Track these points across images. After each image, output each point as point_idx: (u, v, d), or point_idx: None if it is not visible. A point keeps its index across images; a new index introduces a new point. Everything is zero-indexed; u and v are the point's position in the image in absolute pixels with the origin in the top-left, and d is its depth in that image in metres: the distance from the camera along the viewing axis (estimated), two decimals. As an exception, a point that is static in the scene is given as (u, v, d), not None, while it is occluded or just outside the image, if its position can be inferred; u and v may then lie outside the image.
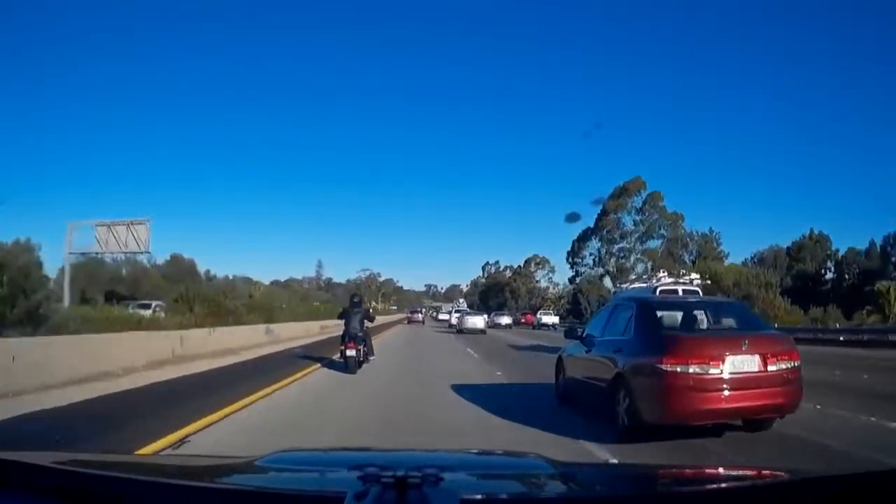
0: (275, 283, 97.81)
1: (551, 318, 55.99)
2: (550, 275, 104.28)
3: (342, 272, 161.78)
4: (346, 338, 12.64)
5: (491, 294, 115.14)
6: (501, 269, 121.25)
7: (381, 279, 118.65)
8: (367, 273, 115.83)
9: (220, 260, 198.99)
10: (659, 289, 17.03)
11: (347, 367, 12.43)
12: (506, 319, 52.13)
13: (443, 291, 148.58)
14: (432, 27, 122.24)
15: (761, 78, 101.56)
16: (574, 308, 70.49)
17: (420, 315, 64.56)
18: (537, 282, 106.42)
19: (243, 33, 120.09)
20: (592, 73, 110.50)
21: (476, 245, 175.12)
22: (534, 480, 1.87)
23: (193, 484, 1.62)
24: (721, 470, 2.67)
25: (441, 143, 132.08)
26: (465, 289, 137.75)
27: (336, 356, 13.53)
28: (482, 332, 37.29)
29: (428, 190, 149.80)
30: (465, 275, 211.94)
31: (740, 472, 2.26)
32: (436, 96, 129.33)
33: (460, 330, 38.08)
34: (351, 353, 12.44)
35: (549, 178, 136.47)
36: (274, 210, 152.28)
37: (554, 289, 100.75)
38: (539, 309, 73.74)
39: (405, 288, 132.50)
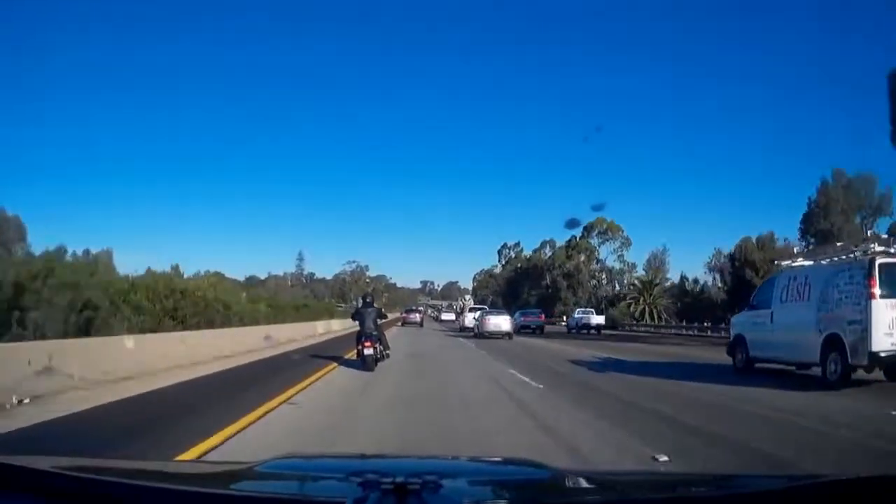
0: (250, 280, 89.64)
1: (595, 319, 44.22)
2: (622, 251, 70.08)
3: (330, 267, 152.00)
4: (363, 337, 13.17)
5: (524, 284, 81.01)
6: (537, 247, 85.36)
7: (370, 273, 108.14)
8: (354, 265, 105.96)
9: (201, 257, 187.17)
10: (878, 261, 10.51)
11: (365, 364, 12.88)
12: (532, 320, 40.84)
13: (439, 289, 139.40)
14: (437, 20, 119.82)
15: (764, 77, 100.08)
16: (735, 292, 39.62)
17: (417, 315, 52.26)
18: (600, 261, 71.63)
19: (227, 18, 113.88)
20: (593, 74, 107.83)
21: (475, 243, 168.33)
22: (533, 487, 1.87)
23: (192, 490, 1.63)
24: (723, 476, 2.66)
25: (438, 138, 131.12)
26: (468, 286, 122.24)
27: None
28: (508, 336, 29.31)
29: (424, 184, 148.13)
30: (463, 271, 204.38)
31: (743, 479, 2.33)
32: (430, 89, 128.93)
33: (479, 334, 29.82)
34: (369, 351, 12.92)
35: (549, 173, 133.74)
36: (258, 203, 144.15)
37: (631, 272, 68.25)
38: (611, 302, 57.18)
39: (399, 285, 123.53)
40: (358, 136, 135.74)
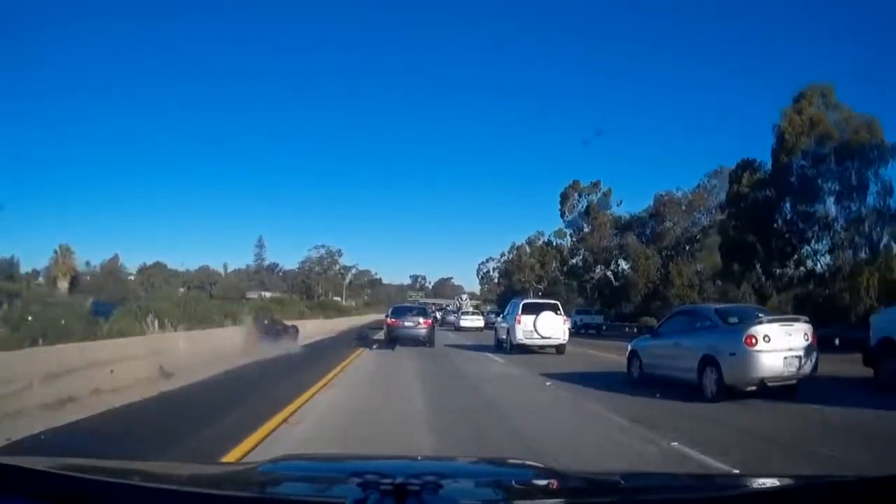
0: (202, 271, 78.61)
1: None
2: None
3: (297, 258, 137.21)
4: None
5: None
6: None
7: (344, 261, 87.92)
8: (323, 251, 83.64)
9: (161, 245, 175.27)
10: None
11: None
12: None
13: (431, 286, 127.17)
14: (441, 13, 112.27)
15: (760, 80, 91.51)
16: None
17: (421, 321, 22.85)
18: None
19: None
20: (593, 76, 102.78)
21: (470, 238, 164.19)
22: (532, 488, 1.90)
23: (194, 490, 1.63)
24: (724, 477, 2.67)
25: (434, 131, 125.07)
26: (462, 282, 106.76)
27: None
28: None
29: (415, 177, 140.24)
30: (455, 268, 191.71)
31: (744, 479, 2.30)
32: (423, 80, 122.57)
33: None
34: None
35: (547, 168, 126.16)
36: (219, 190, 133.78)
37: None
38: None
39: (385, 281, 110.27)
40: (342, 123, 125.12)
